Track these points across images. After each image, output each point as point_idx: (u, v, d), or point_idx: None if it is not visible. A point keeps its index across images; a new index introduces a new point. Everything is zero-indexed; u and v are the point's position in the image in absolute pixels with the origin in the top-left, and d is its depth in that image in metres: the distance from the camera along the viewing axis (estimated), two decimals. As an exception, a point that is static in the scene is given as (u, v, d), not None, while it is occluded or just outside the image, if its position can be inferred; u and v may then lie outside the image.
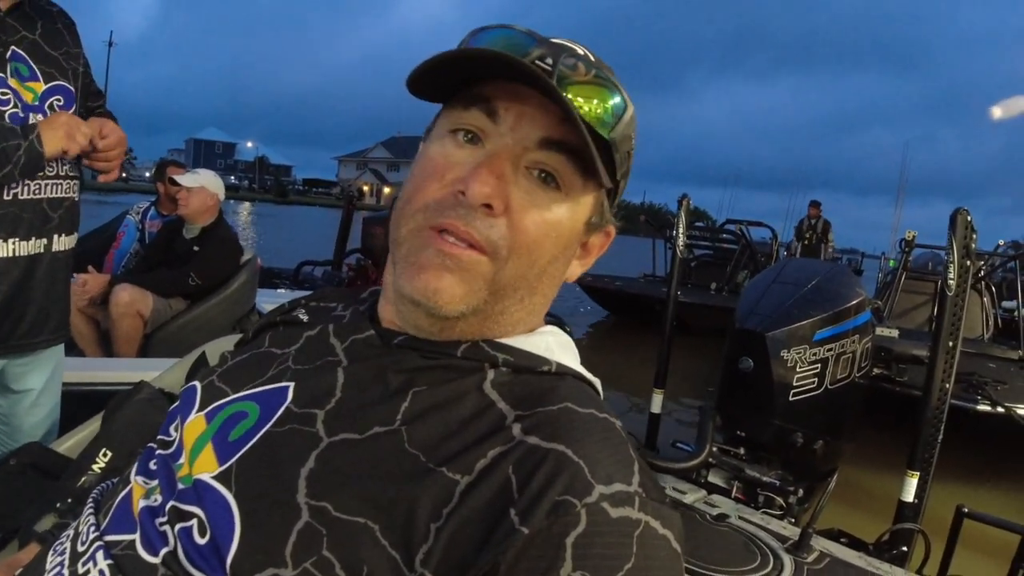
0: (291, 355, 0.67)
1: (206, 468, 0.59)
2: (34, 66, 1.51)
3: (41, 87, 1.51)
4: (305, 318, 0.72)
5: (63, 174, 1.57)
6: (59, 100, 1.55)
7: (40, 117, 1.49)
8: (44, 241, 1.55)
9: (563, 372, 0.63)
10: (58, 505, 1.21)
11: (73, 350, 3.14)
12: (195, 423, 0.65)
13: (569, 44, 0.61)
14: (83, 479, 1.26)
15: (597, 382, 0.66)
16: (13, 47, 1.46)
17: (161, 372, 1.54)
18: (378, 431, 0.56)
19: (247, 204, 50.13)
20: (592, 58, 0.61)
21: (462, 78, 0.61)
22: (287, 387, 0.63)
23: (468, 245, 0.58)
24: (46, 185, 1.53)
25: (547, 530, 0.49)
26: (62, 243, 1.60)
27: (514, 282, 0.60)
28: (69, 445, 1.48)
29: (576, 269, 0.68)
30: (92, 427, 1.48)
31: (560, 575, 0.48)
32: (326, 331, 0.68)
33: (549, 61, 0.58)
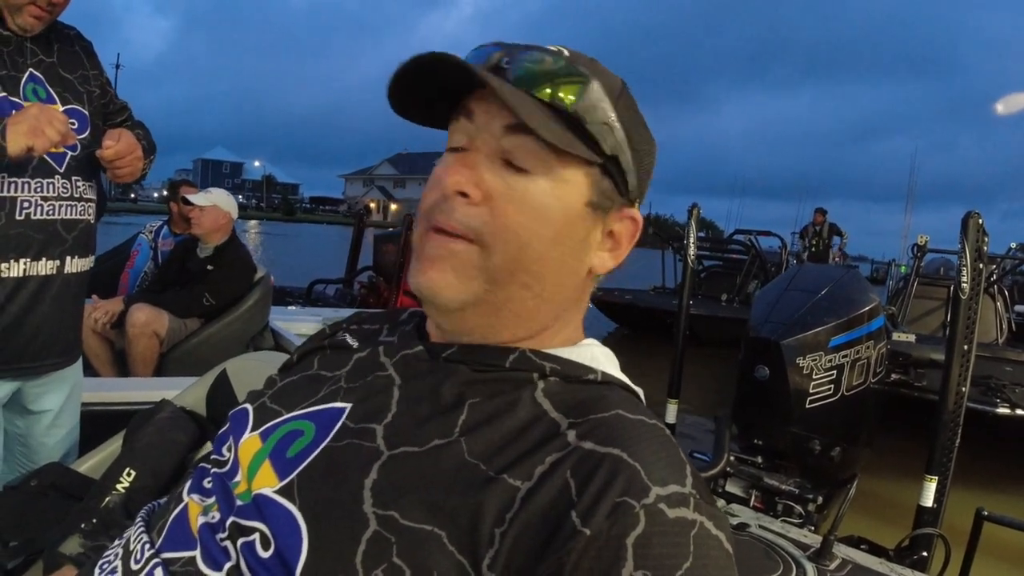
0: (342, 376, 0.69)
1: (266, 483, 0.61)
2: (51, 89, 1.51)
3: (58, 109, 1.51)
4: (355, 343, 0.74)
5: (78, 196, 1.56)
6: (73, 124, 1.53)
7: None
8: (57, 263, 1.53)
9: (609, 381, 0.64)
10: (83, 526, 1.21)
11: (88, 371, 3.15)
12: (250, 442, 0.67)
13: (546, 47, 0.64)
14: (107, 499, 1.26)
15: (640, 392, 0.68)
16: (31, 69, 1.47)
17: (181, 390, 1.54)
18: (438, 443, 0.58)
19: (254, 223, 50.36)
20: (567, 53, 0.64)
21: (447, 98, 0.65)
22: (341, 406, 0.65)
23: (455, 236, 0.61)
24: (60, 206, 1.52)
25: (608, 531, 0.50)
26: (75, 265, 1.59)
27: (509, 266, 0.62)
28: (90, 465, 1.49)
29: (607, 261, 0.68)
30: (113, 447, 1.48)
31: (622, 574, 0.49)
32: (376, 352, 0.70)
33: (507, 60, 0.62)
